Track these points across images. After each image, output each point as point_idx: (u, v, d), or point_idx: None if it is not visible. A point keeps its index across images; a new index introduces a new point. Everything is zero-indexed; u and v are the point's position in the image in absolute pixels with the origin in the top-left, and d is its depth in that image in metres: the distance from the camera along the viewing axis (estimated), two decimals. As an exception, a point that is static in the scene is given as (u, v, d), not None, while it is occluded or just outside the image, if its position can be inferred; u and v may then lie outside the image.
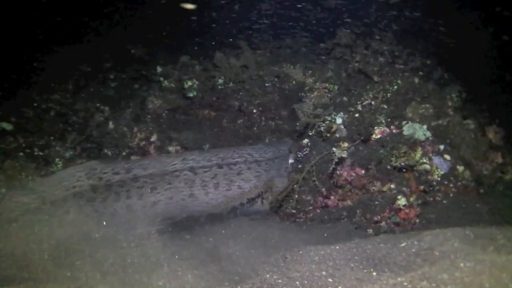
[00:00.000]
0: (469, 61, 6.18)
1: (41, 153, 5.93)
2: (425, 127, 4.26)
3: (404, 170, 4.09)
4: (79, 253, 3.33)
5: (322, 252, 3.02)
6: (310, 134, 4.58)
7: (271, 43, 6.71)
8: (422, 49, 5.93)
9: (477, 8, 6.31)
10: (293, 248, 3.24)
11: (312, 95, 4.92)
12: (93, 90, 6.91)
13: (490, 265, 2.36)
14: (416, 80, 4.74)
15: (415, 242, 2.90)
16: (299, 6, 7.21)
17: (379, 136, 4.29)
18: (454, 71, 5.79)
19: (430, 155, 4.16)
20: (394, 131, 4.32)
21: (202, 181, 4.54)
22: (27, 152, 5.90)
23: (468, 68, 6.04)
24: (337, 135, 4.45)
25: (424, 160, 4.11)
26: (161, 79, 6.15)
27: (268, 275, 2.78)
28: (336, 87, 5.06)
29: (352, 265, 2.82)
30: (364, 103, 4.60)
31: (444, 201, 4.10)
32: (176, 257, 3.34)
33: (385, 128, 4.33)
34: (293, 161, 4.76)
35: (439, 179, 4.12)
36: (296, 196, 4.22)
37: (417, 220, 4.00)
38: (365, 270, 2.71)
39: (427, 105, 4.49)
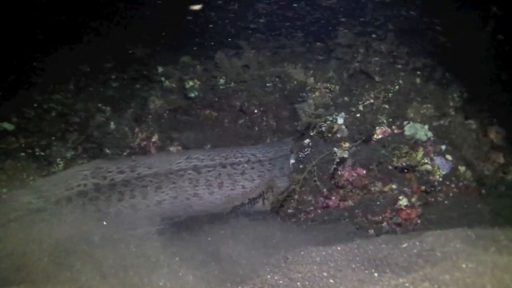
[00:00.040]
0: (470, 61, 6.16)
1: (42, 153, 5.93)
2: (426, 127, 4.25)
3: (405, 171, 4.08)
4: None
5: (323, 253, 3.02)
6: (312, 134, 4.57)
7: (272, 43, 6.70)
8: (424, 49, 5.92)
9: (479, 8, 6.29)
10: (294, 248, 3.24)
11: (314, 95, 4.91)
12: (94, 90, 6.92)
13: (492, 266, 2.35)
14: (418, 80, 4.73)
15: (417, 243, 2.89)
16: (300, 6, 7.21)
17: (380, 136, 4.28)
18: (455, 71, 5.77)
19: (432, 155, 4.15)
20: (395, 131, 4.31)
21: (207, 180, 4.55)
22: (28, 152, 5.90)
23: (470, 68, 6.02)
24: (339, 135, 4.44)
25: (426, 161, 4.10)
26: (162, 79, 6.15)
27: (269, 276, 2.77)
28: (337, 87, 5.05)
29: (353, 266, 2.82)
30: (365, 103, 4.60)
31: (446, 202, 4.09)
32: (177, 258, 3.33)
33: (387, 128, 4.32)
34: (294, 161, 4.76)
35: (440, 179, 4.11)
36: (297, 196, 4.21)
37: (419, 221, 3.99)
38: (366, 271, 2.70)
39: (429, 105, 4.48)
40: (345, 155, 4.02)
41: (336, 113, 4.56)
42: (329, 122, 4.45)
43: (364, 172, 4.12)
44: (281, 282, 2.70)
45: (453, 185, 4.13)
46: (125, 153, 5.68)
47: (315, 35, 6.89)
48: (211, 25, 7.65)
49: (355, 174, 4.13)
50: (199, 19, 7.55)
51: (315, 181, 4.18)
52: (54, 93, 6.69)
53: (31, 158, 5.79)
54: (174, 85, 6.06)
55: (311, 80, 5.34)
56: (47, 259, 3.21)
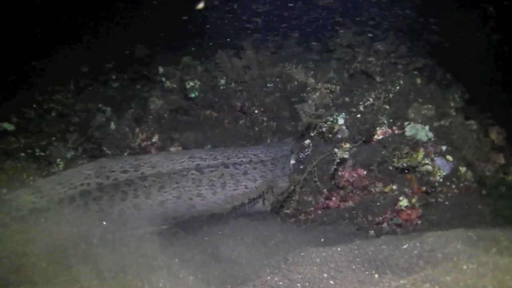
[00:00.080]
0: (471, 62, 6.16)
1: (42, 154, 5.93)
2: (427, 127, 4.24)
3: (406, 171, 4.07)
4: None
5: (323, 254, 3.01)
6: (312, 134, 4.56)
7: (273, 44, 6.70)
8: (424, 49, 5.91)
9: (480, 8, 6.29)
10: (295, 249, 3.23)
11: (314, 96, 4.90)
12: (95, 91, 6.91)
13: (493, 267, 2.34)
14: (418, 80, 4.73)
15: (417, 244, 2.88)
16: (300, 6, 7.20)
17: (381, 137, 4.27)
18: (456, 71, 5.77)
19: (432, 156, 4.14)
20: (396, 131, 4.30)
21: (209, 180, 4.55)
22: (28, 153, 5.90)
23: (471, 69, 6.02)
24: (339, 136, 4.43)
25: (426, 161, 4.09)
26: (163, 79, 6.15)
27: (269, 277, 2.76)
28: (338, 87, 5.05)
29: (353, 267, 2.80)
30: (366, 104, 4.59)
31: (446, 203, 4.08)
32: (176, 259, 3.32)
33: (387, 129, 4.31)
34: (294, 161, 4.75)
35: (441, 180, 4.10)
36: (298, 197, 4.21)
37: (419, 222, 3.98)
38: (367, 272, 2.69)
39: (429, 106, 4.47)
40: (346, 156, 4.01)
41: (336, 114, 4.55)
42: (329, 122, 4.44)
43: (365, 172, 4.11)
44: (281, 283, 2.69)
45: (453, 186, 4.11)
46: (125, 154, 5.69)
47: (315, 35, 6.88)
48: (211, 25, 7.65)
49: (355, 175, 4.12)
50: (199, 19, 7.55)
51: (315, 181, 4.17)
52: (54, 93, 6.69)
53: (31, 158, 5.79)
54: (175, 86, 6.06)
55: (312, 80, 5.34)
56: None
